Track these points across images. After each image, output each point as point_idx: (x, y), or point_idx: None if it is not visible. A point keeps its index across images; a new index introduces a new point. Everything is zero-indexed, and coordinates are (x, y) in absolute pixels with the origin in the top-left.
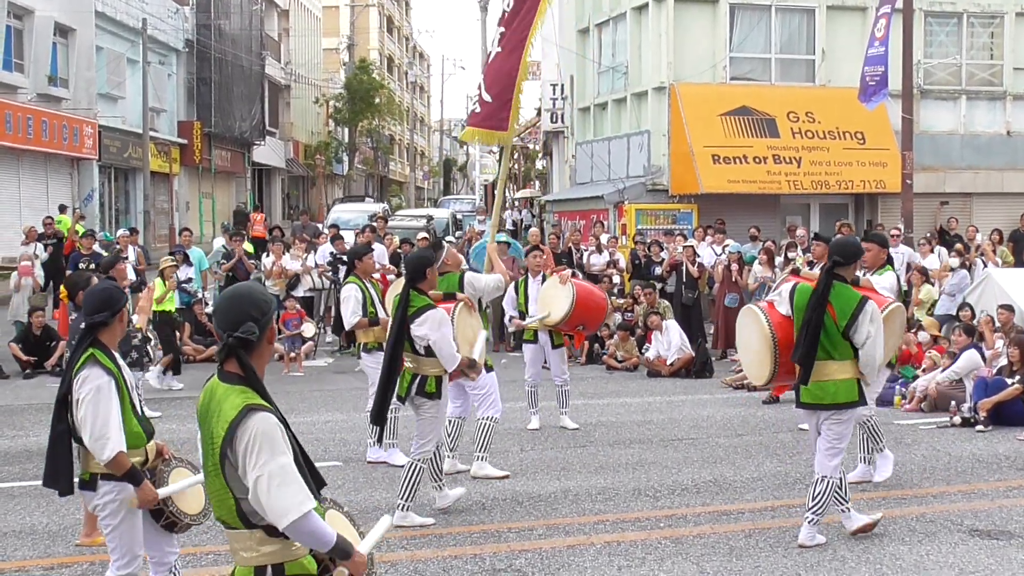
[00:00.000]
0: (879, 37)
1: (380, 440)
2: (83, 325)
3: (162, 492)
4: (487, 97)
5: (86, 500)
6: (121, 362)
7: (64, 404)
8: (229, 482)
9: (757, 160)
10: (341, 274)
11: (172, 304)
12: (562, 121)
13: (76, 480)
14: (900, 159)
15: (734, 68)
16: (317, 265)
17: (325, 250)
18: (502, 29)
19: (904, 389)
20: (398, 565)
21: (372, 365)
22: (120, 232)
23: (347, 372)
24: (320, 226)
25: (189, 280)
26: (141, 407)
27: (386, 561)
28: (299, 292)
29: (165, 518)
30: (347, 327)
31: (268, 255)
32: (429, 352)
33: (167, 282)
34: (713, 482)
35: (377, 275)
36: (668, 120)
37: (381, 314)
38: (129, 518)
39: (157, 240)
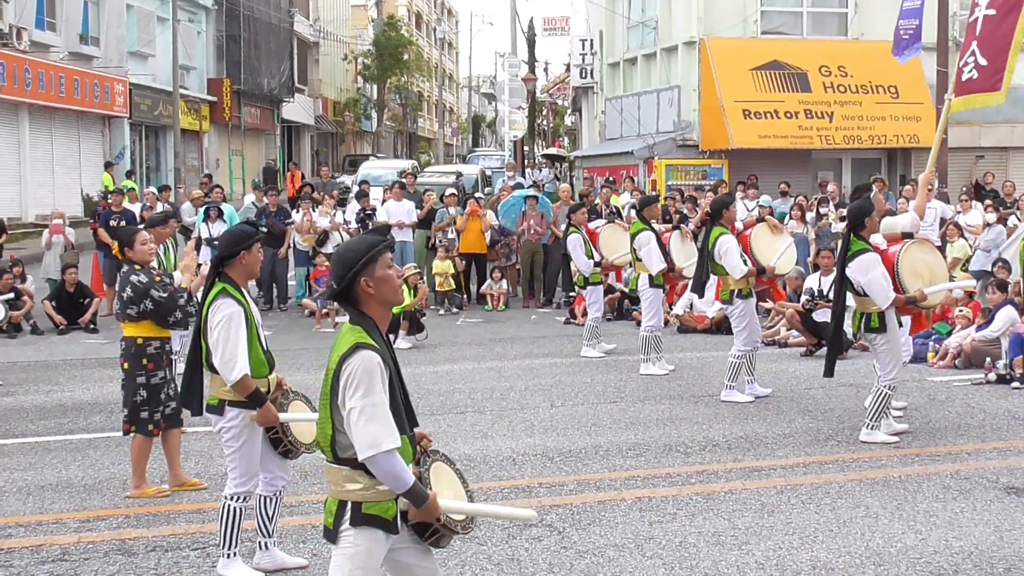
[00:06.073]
0: None
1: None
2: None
3: (282, 416)
4: (982, 61)
5: (212, 423)
6: (249, 298)
7: (199, 337)
8: (332, 412)
9: (788, 115)
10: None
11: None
12: (591, 76)
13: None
14: (934, 113)
15: (765, 22)
16: (346, 222)
17: (353, 208)
18: None
19: (937, 346)
20: None
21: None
22: (148, 189)
23: None
24: (343, 181)
25: None
26: (265, 342)
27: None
28: (328, 248)
29: (283, 446)
30: (737, 276)
31: (298, 211)
32: (866, 292)
33: (417, 290)
34: (744, 438)
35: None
36: (698, 75)
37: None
38: (250, 442)
39: (188, 197)
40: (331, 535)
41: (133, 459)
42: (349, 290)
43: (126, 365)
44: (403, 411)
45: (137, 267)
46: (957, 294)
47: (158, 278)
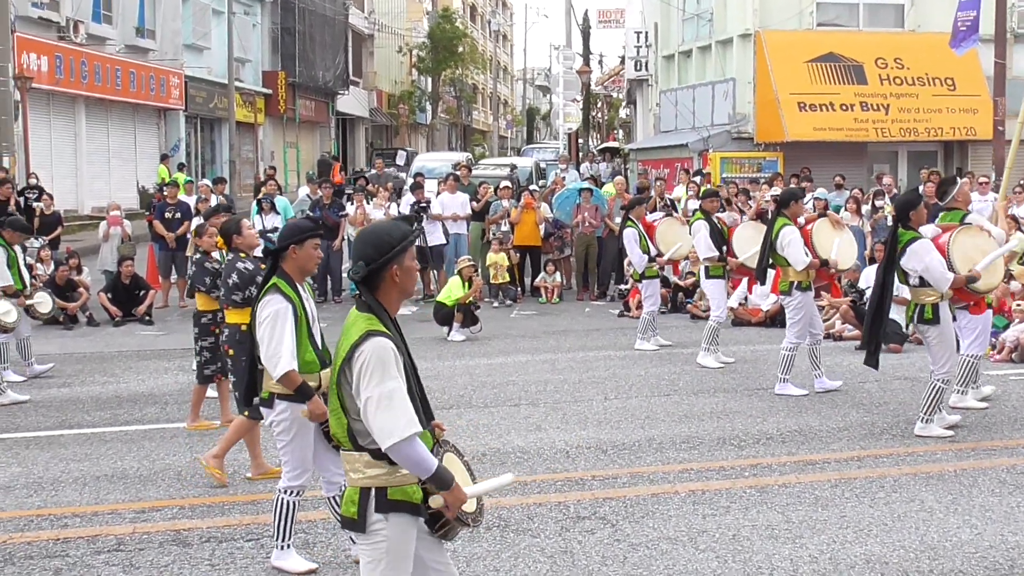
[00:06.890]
0: None
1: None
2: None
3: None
4: None
5: (265, 417)
6: (305, 294)
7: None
8: (344, 401)
9: (844, 107)
10: (425, 223)
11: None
12: (646, 69)
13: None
14: (992, 105)
15: (821, 14)
16: (400, 215)
17: (408, 200)
18: None
19: (994, 339)
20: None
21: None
22: (203, 182)
23: (430, 320)
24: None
25: (275, 229)
26: (321, 337)
27: None
28: None
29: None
30: (799, 268)
31: (352, 203)
32: (923, 283)
33: (471, 283)
34: (798, 431)
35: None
36: (753, 67)
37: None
38: (300, 435)
39: (242, 190)
40: (355, 525)
41: (229, 433)
42: (375, 275)
43: (231, 352)
44: (419, 403)
45: (243, 254)
46: (1014, 286)
47: (263, 265)
